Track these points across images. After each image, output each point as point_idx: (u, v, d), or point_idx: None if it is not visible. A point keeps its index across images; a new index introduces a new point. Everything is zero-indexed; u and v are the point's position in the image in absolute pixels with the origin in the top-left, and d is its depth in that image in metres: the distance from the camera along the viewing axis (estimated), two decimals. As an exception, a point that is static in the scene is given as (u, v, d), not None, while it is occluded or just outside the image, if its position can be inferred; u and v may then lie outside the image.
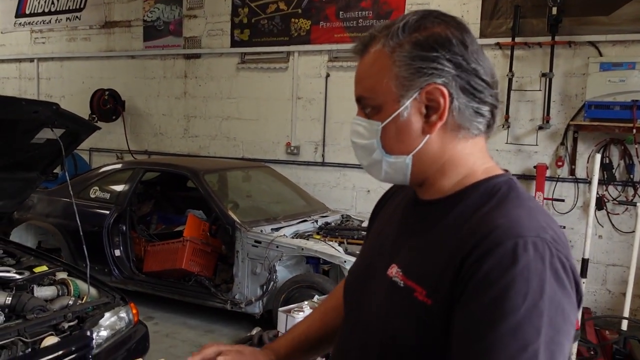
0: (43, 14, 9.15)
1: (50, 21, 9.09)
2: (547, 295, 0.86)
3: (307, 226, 5.08)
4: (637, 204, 4.07)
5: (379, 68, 1.02)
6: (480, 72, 1.00)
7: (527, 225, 0.92)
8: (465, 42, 1.00)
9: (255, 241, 4.70)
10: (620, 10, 5.24)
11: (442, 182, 1.05)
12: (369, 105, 1.04)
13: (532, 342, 0.83)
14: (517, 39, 5.61)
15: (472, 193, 1.02)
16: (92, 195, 5.61)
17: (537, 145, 5.65)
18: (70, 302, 3.15)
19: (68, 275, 3.47)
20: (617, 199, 5.30)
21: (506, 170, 1.07)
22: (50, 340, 2.80)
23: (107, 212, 5.36)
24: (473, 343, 0.86)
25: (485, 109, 1.02)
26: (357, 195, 6.60)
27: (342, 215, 5.57)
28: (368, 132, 1.05)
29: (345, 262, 4.25)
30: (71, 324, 2.97)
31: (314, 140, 6.89)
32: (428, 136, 1.01)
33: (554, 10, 5.32)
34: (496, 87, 1.04)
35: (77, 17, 8.79)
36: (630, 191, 5.29)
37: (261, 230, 4.78)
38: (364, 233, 4.82)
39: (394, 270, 1.04)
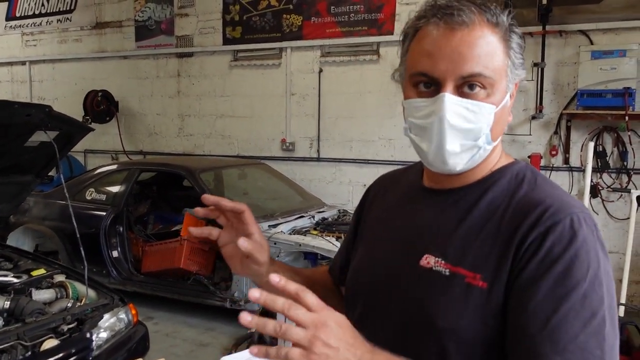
0: (33, 16, 9.11)
1: (40, 23, 9.05)
2: (602, 265, 0.93)
3: (304, 222, 5.09)
4: (632, 191, 4.11)
5: (497, 48, 0.98)
6: None
7: (572, 203, 0.98)
8: None
9: (253, 238, 4.70)
10: (610, -2, 5.25)
11: (481, 168, 1.05)
12: (484, 85, 0.98)
13: (599, 309, 0.90)
14: (509, 30, 5.62)
15: (499, 179, 1.05)
16: (88, 197, 5.61)
17: (530, 135, 5.67)
18: (69, 305, 3.16)
19: (66, 278, 3.48)
20: (612, 187, 5.33)
21: (515, 159, 1.12)
22: (50, 343, 2.81)
23: (104, 213, 5.36)
24: (547, 315, 0.89)
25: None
26: (354, 189, 6.61)
27: (338, 210, 5.59)
28: (476, 116, 0.98)
29: (342, 256, 4.27)
30: (70, 326, 2.98)
31: (308, 136, 6.90)
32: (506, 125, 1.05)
33: (544, 0, 5.33)
34: None
35: (67, 18, 8.76)
36: (624, 178, 5.32)
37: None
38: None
39: (431, 260, 1.02)
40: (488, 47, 0.98)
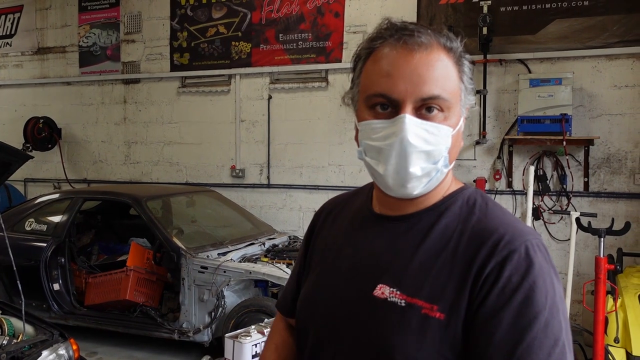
0: (-29, 41, 8.79)
1: (-22, 48, 8.73)
2: (557, 291, 0.94)
3: (254, 249, 5.03)
4: (571, 213, 4.26)
5: (452, 71, 0.99)
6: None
7: (524, 230, 0.98)
8: None
9: (202, 267, 4.61)
10: (545, 29, 5.52)
11: (435, 193, 1.04)
12: (442, 107, 0.97)
13: (559, 336, 0.91)
14: (452, 58, 5.81)
15: (451, 205, 1.03)
16: (28, 228, 5.38)
17: (475, 159, 5.83)
18: (5, 342, 2.98)
19: (2, 314, 3.30)
20: (553, 209, 5.53)
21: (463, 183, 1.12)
22: (-17, 384, 2.64)
23: (45, 244, 5.14)
24: (512, 347, 0.89)
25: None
26: (304, 215, 6.60)
27: (289, 237, 5.56)
28: (436, 138, 0.97)
29: (293, 283, 4.23)
30: (6, 365, 2.81)
31: (258, 163, 6.87)
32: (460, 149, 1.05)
33: (485, 30, 5.56)
34: None
35: (7, 43, 8.48)
36: (564, 200, 5.53)
37: (207, 256, 4.70)
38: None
39: (386, 291, 0.99)
40: (445, 70, 0.98)
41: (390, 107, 0.98)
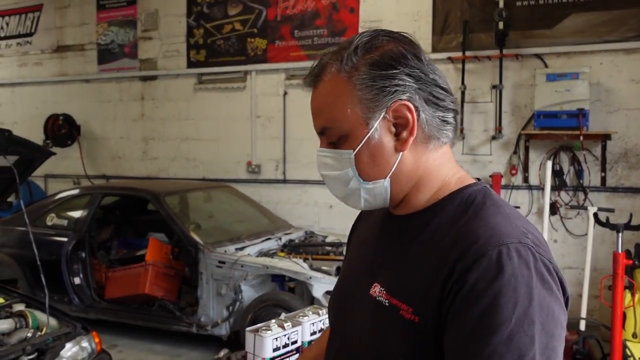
0: (-8, 39, 8.94)
1: (0, 46, 8.88)
2: (536, 301, 0.84)
3: (271, 244, 5.08)
4: (588, 208, 4.24)
5: (338, 95, 0.99)
6: (439, 81, 1.01)
7: (507, 232, 0.90)
8: (419, 55, 1.00)
9: (219, 262, 4.67)
10: (562, 23, 5.48)
11: (419, 197, 1.03)
12: (335, 134, 1.00)
13: (527, 352, 0.82)
14: (467, 53, 5.80)
15: (447, 205, 1.00)
16: (49, 223, 5.48)
17: (491, 155, 5.82)
18: (29, 335, 3.06)
19: (26, 307, 3.37)
20: (569, 204, 5.50)
21: (478, 179, 1.07)
22: (9, 375, 2.72)
23: (65, 239, 5.23)
24: (468, 358, 0.84)
25: (450, 116, 1.02)
26: (320, 211, 6.63)
27: (305, 232, 5.59)
28: (339, 163, 1.01)
29: (310, 278, 4.27)
30: (31, 357, 2.89)
31: (274, 158, 6.92)
32: (401, 154, 0.99)
33: (501, 25, 5.53)
34: (452, 93, 1.04)
35: (28, 42, 8.62)
36: (581, 196, 5.50)
37: (225, 251, 4.76)
38: (328, 249, 4.86)
39: (377, 290, 1.01)
40: (330, 98, 1.00)
41: None
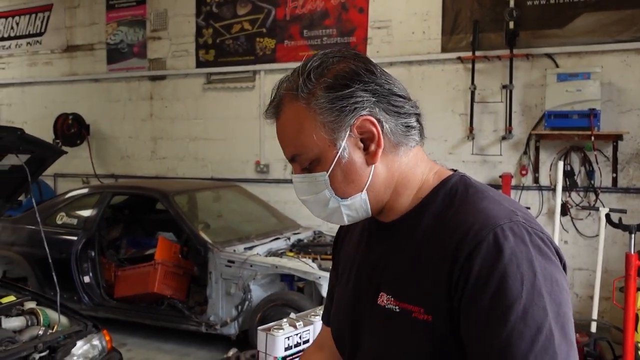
0: (2, 39, 8.99)
1: (10, 46, 8.93)
2: (540, 272, 0.88)
3: (279, 244, 5.07)
4: (600, 209, 4.21)
5: (301, 122, 1.01)
6: (395, 90, 1.03)
7: (497, 214, 0.94)
8: (370, 68, 1.02)
9: (229, 261, 4.67)
10: (573, 23, 5.45)
11: (401, 201, 1.05)
12: (306, 160, 1.02)
13: (543, 322, 0.86)
14: (477, 53, 5.78)
15: (431, 202, 1.03)
16: (59, 222, 5.50)
17: (501, 155, 5.79)
18: (40, 332, 3.08)
19: (37, 305, 3.39)
20: (580, 205, 5.46)
21: (454, 170, 1.09)
22: (21, 372, 2.73)
23: (75, 238, 5.26)
24: (490, 343, 0.86)
25: (412, 121, 1.04)
26: (328, 211, 6.61)
27: (314, 232, 5.59)
28: (315, 186, 1.03)
29: (319, 277, 4.26)
30: (42, 354, 2.91)
31: (282, 158, 6.86)
32: (373, 166, 1.02)
33: (511, 24, 5.50)
34: (410, 98, 1.06)
35: (37, 41, 8.66)
36: (592, 196, 5.46)
37: (234, 250, 4.76)
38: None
39: (384, 298, 1.03)
40: (294, 127, 1.02)
41: None
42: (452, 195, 1.02)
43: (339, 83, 0.99)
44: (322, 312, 1.39)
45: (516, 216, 0.94)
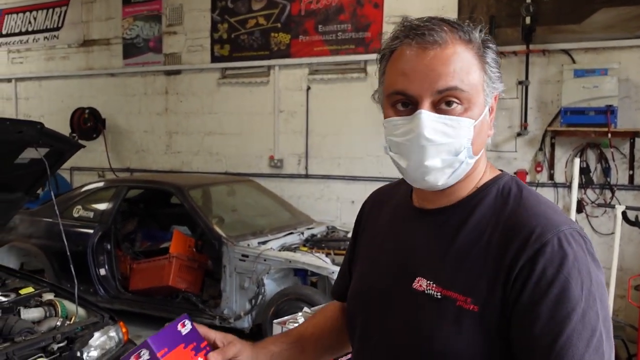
0: (20, 33, 9.09)
1: (27, 41, 9.03)
2: (594, 279, 0.94)
3: (293, 238, 5.10)
4: (616, 206, 4.18)
5: (470, 64, 1.00)
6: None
7: (558, 220, 0.98)
8: None
9: (243, 255, 4.71)
10: (590, 18, 5.39)
11: (464, 186, 1.06)
12: (460, 100, 0.99)
13: (597, 325, 0.92)
14: (493, 49, 5.73)
15: (485, 196, 1.05)
16: (75, 215, 5.57)
17: (516, 151, 5.76)
18: (59, 323, 3.12)
19: (55, 296, 3.44)
20: (596, 202, 5.42)
21: (501, 170, 1.11)
22: (40, 362, 2.78)
23: (91, 231, 5.32)
24: (551, 340, 0.90)
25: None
26: (342, 206, 6.64)
27: (327, 227, 5.61)
28: (455, 131, 0.99)
29: (333, 272, 4.28)
30: (60, 345, 2.94)
31: (297, 153, 6.93)
32: (489, 138, 1.06)
33: (528, 20, 5.45)
34: None
35: (55, 36, 8.75)
36: (608, 194, 5.41)
37: (248, 244, 4.79)
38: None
39: (423, 283, 1.03)
40: (462, 63, 0.99)
41: (409, 104, 1.01)
42: (505, 194, 1.04)
43: (497, 55, 1.05)
44: (332, 290, 1.40)
45: (572, 223, 0.99)
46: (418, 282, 1.04)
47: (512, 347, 0.95)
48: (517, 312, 0.94)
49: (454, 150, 1.00)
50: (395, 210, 1.18)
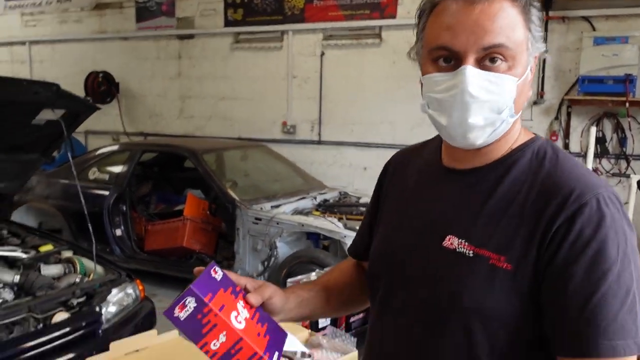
0: (33, -4, 9.06)
1: (41, 3, 9.00)
2: (629, 241, 0.95)
3: (306, 203, 5.13)
4: (631, 176, 4.16)
5: (515, 22, 0.98)
6: None
7: (596, 182, 0.98)
8: None
9: (256, 218, 4.76)
10: (613, -16, 5.27)
11: (500, 147, 1.05)
12: (505, 57, 0.98)
13: (631, 286, 0.93)
14: (512, 15, 5.63)
15: (520, 158, 1.04)
16: (91, 177, 5.64)
17: (531, 120, 5.71)
18: (77, 280, 3.20)
19: (73, 254, 3.53)
20: (611, 172, 5.39)
21: (534, 134, 1.11)
22: (61, 316, 2.86)
23: (107, 192, 5.39)
24: (586, 298, 0.91)
25: None
26: (354, 172, 6.65)
27: (339, 192, 5.63)
28: (498, 88, 0.98)
29: (345, 237, 4.32)
30: (80, 300, 3.03)
31: (310, 119, 6.92)
32: (528, 99, 1.05)
33: (548, -14, 5.35)
34: None
35: (68, -1, 8.71)
36: (623, 164, 5.38)
37: (261, 208, 4.84)
38: (362, 209, 4.89)
39: (454, 242, 1.03)
40: (508, 19, 0.97)
41: (452, 60, 0.99)
42: (541, 156, 1.04)
43: (541, 13, 1.04)
44: (349, 248, 1.39)
45: (610, 187, 0.99)
46: (449, 240, 1.04)
47: (542, 311, 0.96)
48: (550, 273, 0.94)
49: (496, 108, 0.98)
50: (423, 171, 1.18)
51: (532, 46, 1.01)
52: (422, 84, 1.07)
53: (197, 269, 1.08)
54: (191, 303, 0.95)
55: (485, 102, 0.97)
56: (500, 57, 0.97)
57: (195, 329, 0.96)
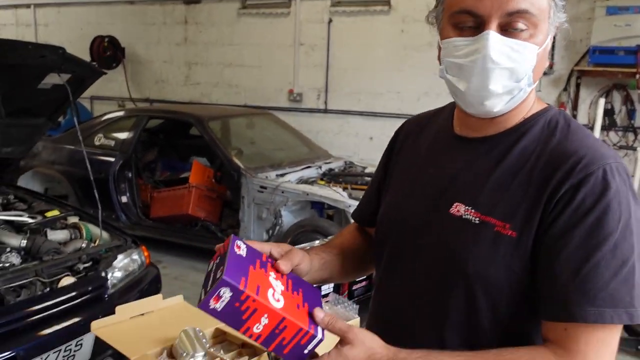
0: (37, -43, 8.93)
1: (45, -35, 8.88)
2: (633, 214, 0.95)
3: (311, 172, 5.13)
4: (637, 149, 4.13)
5: None
6: None
7: (605, 153, 0.98)
8: None
9: (261, 187, 4.77)
10: (629, -49, 5.12)
11: (515, 114, 1.05)
12: (528, 24, 0.96)
13: (629, 258, 0.93)
14: (523, -18, 5.51)
15: (532, 127, 1.04)
16: (97, 143, 5.64)
17: (540, 91, 5.63)
18: (84, 245, 3.23)
19: (79, 220, 3.55)
20: (618, 144, 5.35)
21: (548, 104, 1.10)
22: (67, 280, 2.90)
23: (113, 159, 5.41)
24: (579, 265, 0.92)
25: None
26: (360, 142, 6.63)
27: (345, 162, 5.62)
28: (520, 55, 0.96)
29: (349, 206, 4.33)
30: (86, 265, 3.06)
31: (316, 87, 6.87)
32: (545, 68, 1.04)
33: (562, -48, 5.20)
34: None
35: (72, -40, 8.58)
36: (631, 136, 5.33)
37: (266, 176, 4.85)
38: (367, 179, 4.89)
39: (461, 209, 1.04)
40: None
41: (474, 25, 0.97)
42: (552, 125, 1.04)
43: None
44: (354, 213, 1.39)
45: (619, 158, 0.99)
46: (456, 208, 1.05)
47: (537, 274, 0.96)
48: (549, 236, 0.95)
49: (516, 76, 0.98)
50: (435, 138, 1.18)
51: (554, 15, 1.00)
52: (439, 49, 1.05)
53: (218, 246, 1.06)
54: (226, 293, 0.91)
55: (506, 69, 0.96)
56: (524, 23, 0.96)
57: (235, 317, 0.93)
